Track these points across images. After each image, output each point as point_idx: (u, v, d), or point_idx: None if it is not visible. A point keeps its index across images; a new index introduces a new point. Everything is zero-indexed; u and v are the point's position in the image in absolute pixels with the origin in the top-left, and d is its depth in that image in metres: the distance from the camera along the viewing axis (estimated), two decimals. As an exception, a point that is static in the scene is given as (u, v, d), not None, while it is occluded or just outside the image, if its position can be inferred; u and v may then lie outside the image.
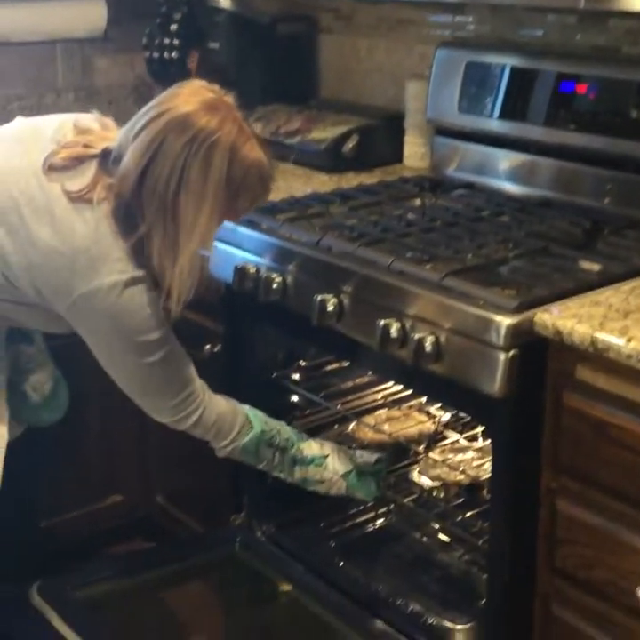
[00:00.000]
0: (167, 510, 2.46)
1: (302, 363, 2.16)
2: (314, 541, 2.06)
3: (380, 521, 2.09)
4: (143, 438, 2.44)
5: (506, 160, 2.17)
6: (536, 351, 1.51)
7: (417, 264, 1.69)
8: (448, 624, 1.84)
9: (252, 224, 1.94)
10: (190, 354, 2.21)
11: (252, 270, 1.88)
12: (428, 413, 2.16)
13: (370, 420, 2.13)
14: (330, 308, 1.73)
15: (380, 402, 2.21)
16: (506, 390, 1.51)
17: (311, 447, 1.89)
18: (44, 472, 2.21)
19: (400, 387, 2.19)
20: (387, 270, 1.69)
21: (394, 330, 1.62)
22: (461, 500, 1.95)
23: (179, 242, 1.59)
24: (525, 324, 1.49)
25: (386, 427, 2.09)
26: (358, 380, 2.22)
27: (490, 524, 1.68)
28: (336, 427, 2.16)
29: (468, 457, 1.99)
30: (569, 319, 1.46)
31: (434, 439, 2.09)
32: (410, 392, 2.20)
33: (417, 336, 1.58)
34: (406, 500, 2.01)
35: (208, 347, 2.14)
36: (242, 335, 2.05)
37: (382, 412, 2.16)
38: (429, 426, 2.10)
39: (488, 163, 2.20)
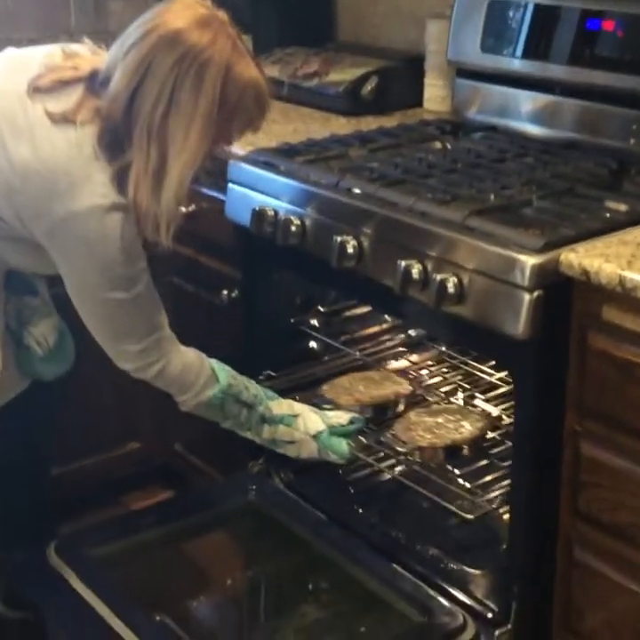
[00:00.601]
0: (185, 458, 2.46)
1: (321, 308, 2.13)
2: (332, 488, 2.05)
3: (399, 468, 2.07)
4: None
5: (529, 101, 2.11)
6: (561, 292, 1.47)
7: (439, 204, 1.65)
8: (468, 569, 1.84)
9: (269, 166, 1.91)
10: (207, 300, 2.21)
11: (270, 213, 1.85)
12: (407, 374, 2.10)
13: (344, 382, 2.04)
14: (350, 250, 1.70)
15: (399, 348, 2.19)
16: (530, 332, 1.48)
17: (281, 406, 1.84)
18: (58, 419, 2.20)
19: (420, 332, 2.17)
20: (408, 211, 1.66)
21: (415, 271, 1.59)
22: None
23: (166, 168, 1.52)
24: (551, 264, 1.46)
25: (361, 388, 2.01)
26: (377, 327, 2.20)
27: (512, 468, 1.66)
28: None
29: (451, 419, 1.89)
30: (596, 258, 1.43)
31: (411, 401, 2.02)
32: (430, 338, 2.18)
33: (439, 277, 1.55)
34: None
35: (225, 292, 2.12)
36: (259, 280, 2.02)
37: (357, 374, 2.07)
38: (407, 387, 2.02)
39: (511, 104, 2.15)
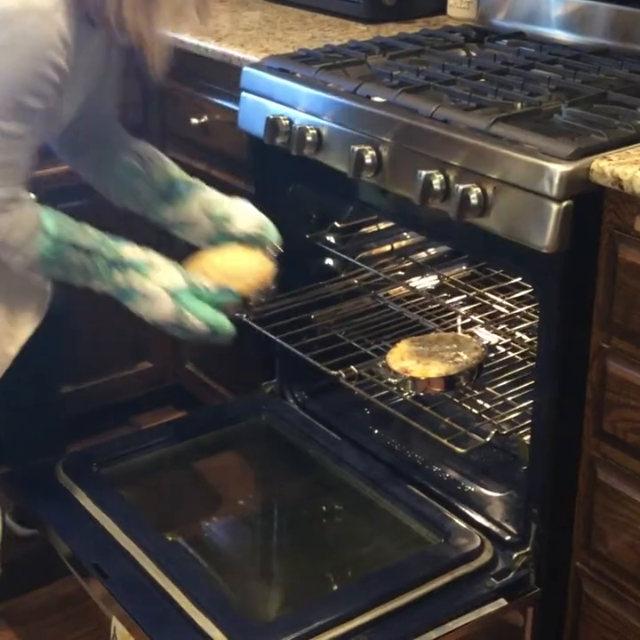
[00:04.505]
0: (197, 377, 2.42)
1: (337, 224, 2.06)
2: (347, 409, 2.01)
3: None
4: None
5: (559, 6, 2.00)
6: (592, 202, 1.40)
7: (462, 111, 1.57)
8: (486, 491, 1.80)
9: (284, 73, 1.82)
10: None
11: (285, 122, 1.76)
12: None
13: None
14: (368, 159, 1.62)
15: (418, 266, 2.12)
16: (557, 245, 1.41)
17: (135, 252, 1.59)
18: (68, 337, 2.15)
19: (442, 249, 2.10)
20: (429, 118, 1.57)
21: (436, 182, 1.51)
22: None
23: None
24: (581, 173, 1.38)
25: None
26: (396, 245, 2.13)
27: (535, 387, 1.61)
28: (372, 292, 2.07)
29: (447, 348, 1.77)
30: (629, 166, 1.35)
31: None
32: (451, 255, 2.11)
33: (461, 187, 1.47)
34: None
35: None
36: (274, 194, 1.95)
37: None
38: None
39: (539, 10, 2.04)
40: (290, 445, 2.00)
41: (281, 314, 1.93)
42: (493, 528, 1.71)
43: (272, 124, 1.78)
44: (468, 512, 1.74)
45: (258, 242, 1.73)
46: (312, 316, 1.97)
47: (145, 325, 2.42)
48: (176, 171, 1.76)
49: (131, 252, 1.59)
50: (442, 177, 1.52)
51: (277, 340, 1.88)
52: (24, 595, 2.08)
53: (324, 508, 1.95)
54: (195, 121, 2.17)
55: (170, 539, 1.78)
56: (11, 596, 2.06)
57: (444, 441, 1.65)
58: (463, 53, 1.96)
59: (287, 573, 1.86)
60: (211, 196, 1.75)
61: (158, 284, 1.57)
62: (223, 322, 1.60)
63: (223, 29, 2.16)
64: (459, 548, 1.67)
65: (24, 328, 1.66)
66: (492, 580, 1.62)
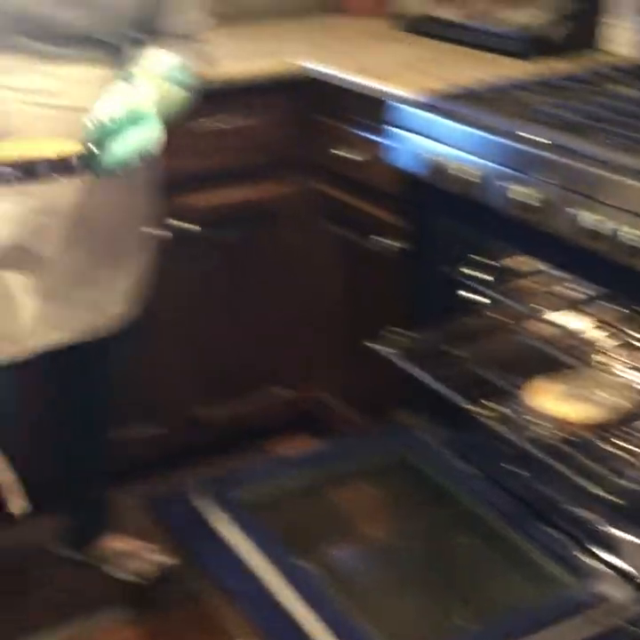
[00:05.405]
0: (332, 405, 2.44)
1: (480, 258, 2.06)
2: (484, 443, 1.99)
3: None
4: (305, 328, 2.41)
5: None
6: None
7: (626, 153, 1.56)
8: (625, 535, 1.76)
9: (439, 110, 1.84)
10: (357, 245, 2.16)
11: (442, 160, 1.78)
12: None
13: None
14: (527, 200, 1.62)
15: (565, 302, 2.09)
16: None
17: None
18: (203, 359, 2.21)
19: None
20: (591, 160, 1.57)
21: (598, 224, 1.51)
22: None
23: None
24: None
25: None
26: (541, 279, 2.11)
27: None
28: (514, 327, 2.05)
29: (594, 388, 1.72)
30: None
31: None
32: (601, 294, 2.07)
33: (625, 230, 1.46)
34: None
35: (377, 238, 2.07)
36: (424, 227, 1.97)
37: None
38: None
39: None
40: (425, 478, 2.00)
41: (420, 347, 1.95)
42: (634, 572, 1.67)
43: (429, 161, 1.80)
44: (606, 555, 1.71)
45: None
46: (451, 350, 1.97)
47: (279, 351, 2.50)
48: None
49: None
50: (604, 219, 1.51)
51: (416, 371, 1.89)
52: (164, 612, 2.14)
53: (455, 541, 1.94)
54: (339, 152, 2.21)
55: (299, 563, 1.79)
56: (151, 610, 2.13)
57: (588, 484, 1.63)
58: (627, 92, 1.93)
59: (414, 606, 1.85)
60: None
61: None
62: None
63: (374, 64, 2.21)
64: (595, 590, 1.64)
65: None
66: (632, 627, 1.58)
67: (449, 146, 1.79)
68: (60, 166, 1.57)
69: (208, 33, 1.83)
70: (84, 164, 1.59)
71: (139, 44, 1.74)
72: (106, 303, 1.89)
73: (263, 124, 2.25)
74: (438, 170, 1.79)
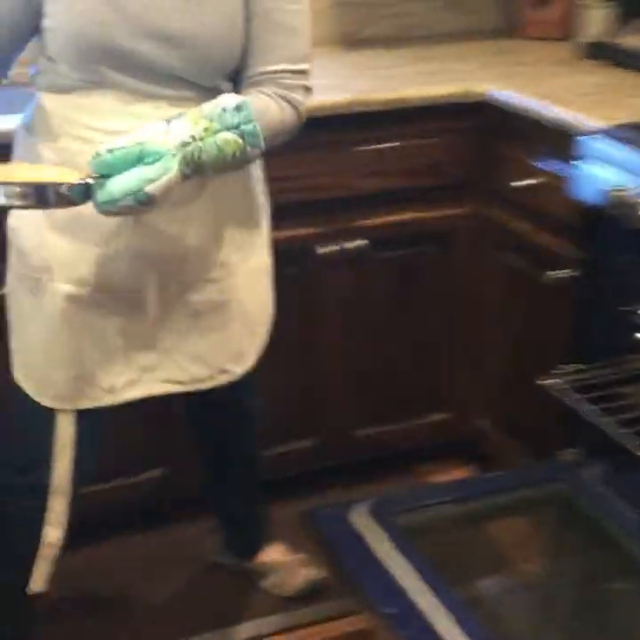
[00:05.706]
0: (492, 435, 2.41)
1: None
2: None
3: None
4: (469, 354, 2.39)
5: None
6: None
7: None
8: None
9: (630, 142, 1.79)
10: (531, 278, 2.12)
11: (628, 193, 1.73)
12: None
13: None
14: None
15: None
16: None
17: None
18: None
19: None
20: None
21: None
22: None
23: None
24: None
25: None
26: None
27: None
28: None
29: None
30: None
31: None
32: None
33: None
34: None
35: (552, 272, 2.03)
36: (600, 262, 1.92)
37: None
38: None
39: None
40: (586, 518, 1.94)
41: (590, 384, 1.89)
42: None
43: (610, 194, 1.75)
44: None
45: None
46: (622, 389, 1.91)
47: (437, 376, 2.48)
48: None
49: None
50: None
51: (585, 409, 1.85)
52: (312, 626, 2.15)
53: (614, 588, 1.88)
54: (519, 183, 2.18)
55: (457, 593, 1.77)
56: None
57: None
58: None
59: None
60: None
61: None
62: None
63: (558, 91, 2.16)
64: None
65: None
66: None
67: (633, 175, 1.74)
68: (55, 194, 1.45)
69: (308, 65, 1.66)
70: (80, 196, 1.46)
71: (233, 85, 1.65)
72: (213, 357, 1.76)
73: (439, 146, 2.25)
74: (623, 203, 1.74)
